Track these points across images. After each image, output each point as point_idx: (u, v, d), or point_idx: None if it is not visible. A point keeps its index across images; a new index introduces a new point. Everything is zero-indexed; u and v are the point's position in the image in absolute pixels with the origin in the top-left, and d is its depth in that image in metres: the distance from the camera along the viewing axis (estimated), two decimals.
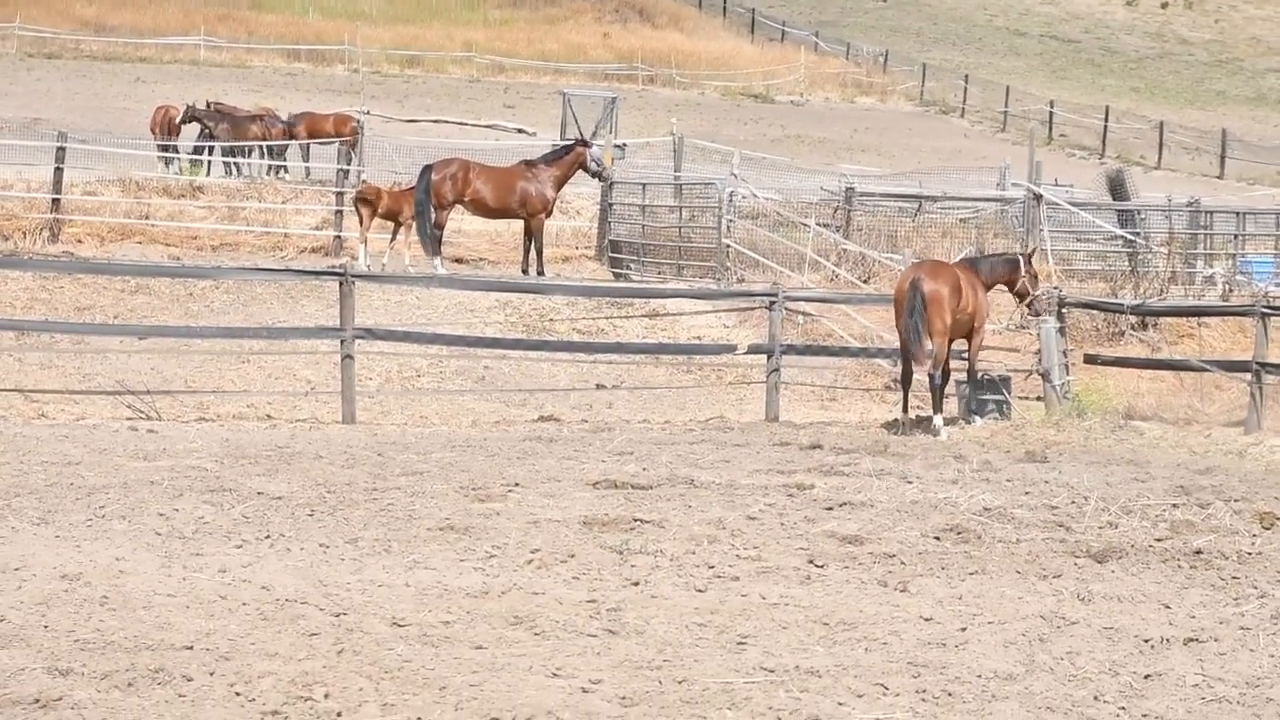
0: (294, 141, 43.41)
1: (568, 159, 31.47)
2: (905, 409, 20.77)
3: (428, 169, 31.01)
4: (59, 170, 34.06)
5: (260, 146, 43.49)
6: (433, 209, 30.43)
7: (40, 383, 23.10)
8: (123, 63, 73.92)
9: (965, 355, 21.77)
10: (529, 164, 31.70)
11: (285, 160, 43.72)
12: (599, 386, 25.01)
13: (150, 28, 79.79)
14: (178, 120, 43.35)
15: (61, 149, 34.23)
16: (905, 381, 20.82)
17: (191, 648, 9.59)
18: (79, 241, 33.02)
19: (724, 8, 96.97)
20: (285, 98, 62.45)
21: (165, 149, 42.84)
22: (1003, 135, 74.40)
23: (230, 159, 43.27)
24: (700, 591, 11.29)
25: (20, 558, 11.40)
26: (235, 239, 34.72)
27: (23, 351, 24.21)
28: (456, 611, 10.58)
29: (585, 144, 32.62)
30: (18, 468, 15.02)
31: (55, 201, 33.88)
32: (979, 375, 21.98)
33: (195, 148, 43.00)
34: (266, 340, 24.18)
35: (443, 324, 26.52)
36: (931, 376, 20.61)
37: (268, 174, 42.90)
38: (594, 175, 32.57)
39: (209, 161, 42.90)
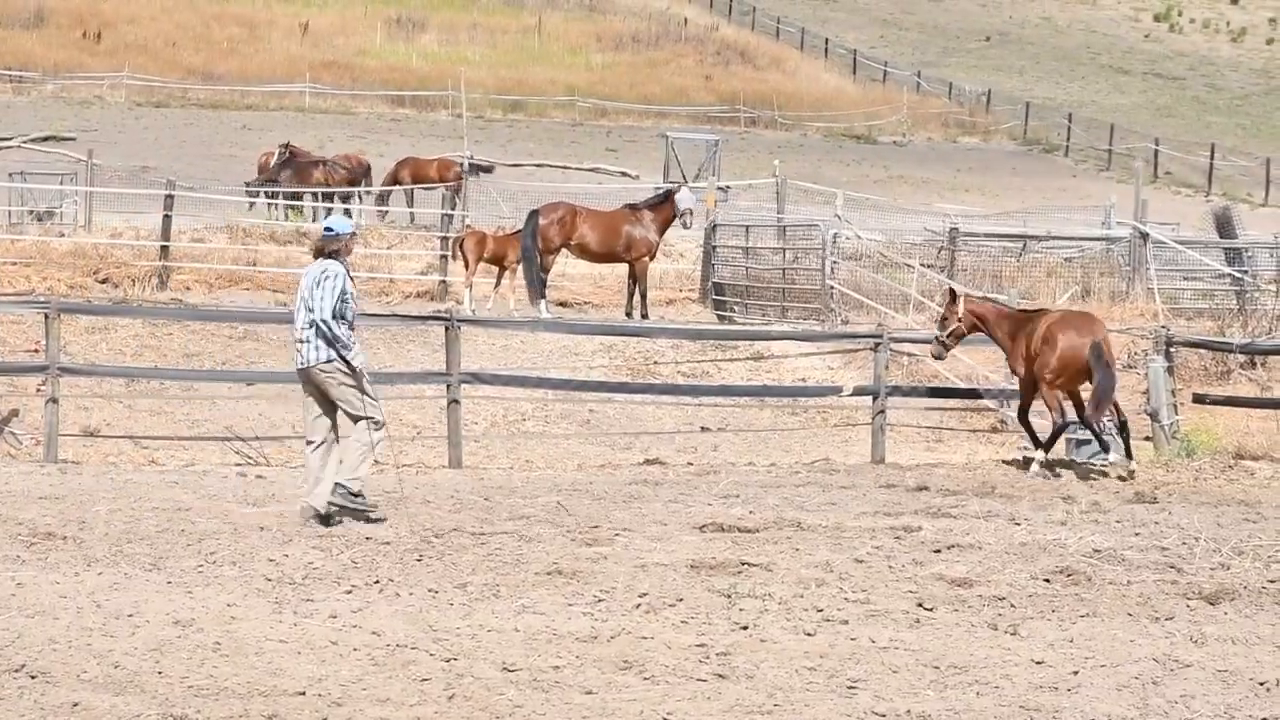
0: (362, 189, 43.63)
1: (671, 203, 31.56)
2: (1047, 450, 20.42)
3: (534, 214, 31.21)
4: (167, 218, 34.39)
5: (357, 194, 43.83)
6: (539, 253, 30.63)
7: (150, 429, 23.34)
8: (229, 110, 74.67)
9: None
10: (633, 208, 31.82)
11: (349, 204, 43.80)
12: (704, 429, 25.00)
13: (256, 75, 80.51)
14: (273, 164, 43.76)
15: (170, 197, 34.58)
16: (1059, 431, 20.52)
17: (304, 694, 9.65)
18: (187, 288, 33.30)
19: (825, 49, 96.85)
20: (389, 143, 62.92)
21: (269, 194, 43.11)
22: (1107, 174, 73.90)
23: (315, 204, 43.57)
24: (809, 635, 11.26)
25: (133, 604, 11.51)
26: None
27: (133, 398, 24.46)
28: (566, 656, 10.60)
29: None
30: (129, 514, 15.17)
31: (164, 249, 34.21)
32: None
33: (256, 192, 43.14)
34: (372, 385, 24.29)
35: (548, 368, 26.62)
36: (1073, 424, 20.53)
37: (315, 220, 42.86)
38: (681, 222, 32.16)
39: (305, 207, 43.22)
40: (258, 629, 10.99)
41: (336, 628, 11.10)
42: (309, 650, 10.54)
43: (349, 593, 12.16)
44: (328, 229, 15.91)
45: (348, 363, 15.34)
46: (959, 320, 20.82)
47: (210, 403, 24.43)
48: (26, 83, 77.34)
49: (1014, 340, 20.59)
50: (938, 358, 21.97)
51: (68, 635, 10.68)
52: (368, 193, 44.66)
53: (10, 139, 58.18)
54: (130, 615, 11.21)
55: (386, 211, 44.31)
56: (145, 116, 71.70)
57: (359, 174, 44.44)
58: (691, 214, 32.09)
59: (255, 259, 35.49)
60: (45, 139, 58.95)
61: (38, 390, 22.30)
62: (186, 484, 17.57)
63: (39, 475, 18.07)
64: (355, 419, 15.32)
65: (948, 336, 20.96)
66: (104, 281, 32.86)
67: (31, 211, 38.30)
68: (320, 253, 15.67)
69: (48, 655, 10.23)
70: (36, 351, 24.18)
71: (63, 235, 36.77)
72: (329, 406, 15.49)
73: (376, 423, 15.47)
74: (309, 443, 15.56)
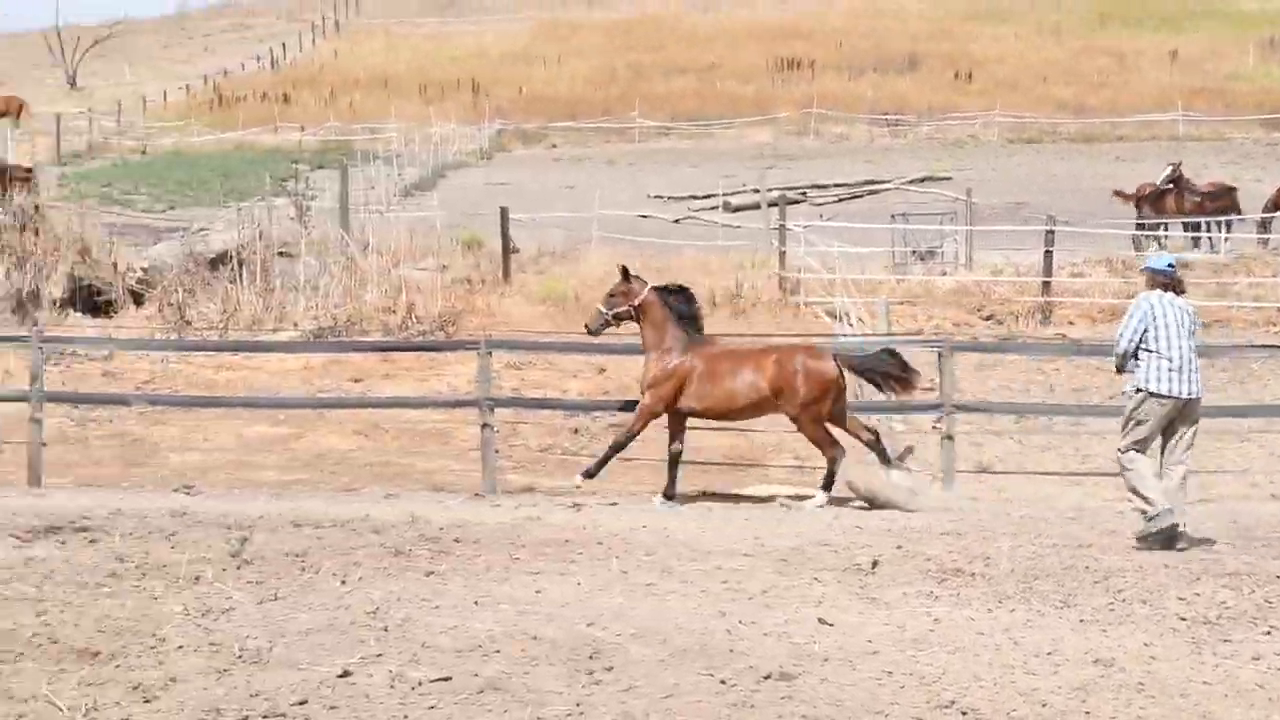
0: (1207, 218, 42.50)
1: None
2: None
3: None
4: (1048, 253, 34.59)
5: (1223, 222, 42.86)
6: None
7: (1040, 464, 23.45)
8: (1100, 143, 74.54)
9: None
10: None
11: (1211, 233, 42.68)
12: None
13: (1127, 106, 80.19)
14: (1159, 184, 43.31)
15: (1050, 232, 34.76)
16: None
17: None
18: (1070, 323, 33.37)
19: None
20: (1266, 168, 61.37)
21: (1142, 226, 42.63)
22: None
23: (1196, 234, 42.83)
24: None
25: (1050, 642, 11.55)
26: (1224, 315, 34.21)
27: (1023, 434, 24.68)
28: None
29: None
30: (1031, 550, 15.23)
31: (1045, 284, 34.41)
32: None
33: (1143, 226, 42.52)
34: (1266, 419, 23.69)
35: None
36: None
37: (1195, 247, 41.89)
38: None
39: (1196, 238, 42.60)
40: (1179, 670, 10.83)
41: (1261, 670, 10.81)
42: (1235, 695, 10.30)
43: (1268, 634, 11.83)
44: (1170, 265, 16.83)
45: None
46: (630, 305, 19.65)
47: (1099, 438, 24.31)
48: (902, 126, 79.69)
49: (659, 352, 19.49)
50: (592, 332, 19.96)
51: (990, 672, 10.79)
52: (1240, 220, 43.57)
53: (889, 181, 60.18)
54: (1049, 653, 11.24)
55: (1267, 239, 43.11)
56: (1016, 153, 72.46)
57: (1218, 200, 43.35)
58: None
59: (1137, 292, 35.15)
60: (922, 180, 60.68)
61: (933, 427, 22.77)
62: (1083, 520, 17.55)
63: (939, 512, 18.44)
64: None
65: (611, 314, 19.79)
66: (988, 318, 33.35)
67: (914, 251, 39.23)
68: (1168, 287, 16.62)
69: (974, 692, 10.37)
70: (929, 390, 24.76)
71: (944, 274, 37.50)
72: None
73: None
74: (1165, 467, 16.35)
